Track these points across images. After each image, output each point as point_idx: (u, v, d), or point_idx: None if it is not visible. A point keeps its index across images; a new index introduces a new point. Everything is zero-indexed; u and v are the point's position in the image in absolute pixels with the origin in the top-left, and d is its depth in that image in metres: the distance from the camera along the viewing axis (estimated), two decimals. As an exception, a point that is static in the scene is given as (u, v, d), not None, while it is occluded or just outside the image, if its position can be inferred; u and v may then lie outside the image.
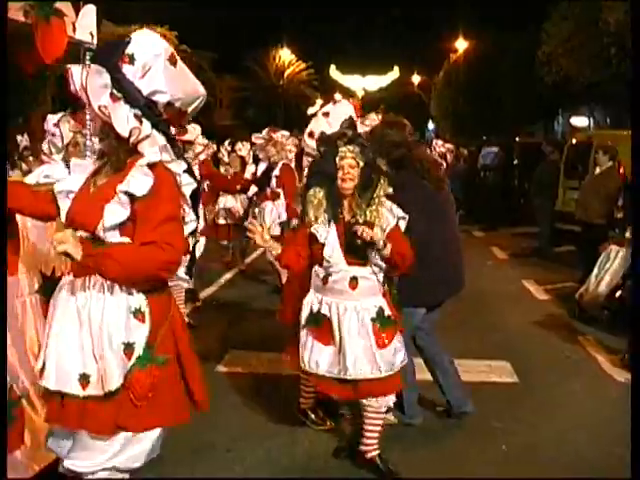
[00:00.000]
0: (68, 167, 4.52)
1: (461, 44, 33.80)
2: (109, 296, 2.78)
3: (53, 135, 4.93)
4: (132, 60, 2.71)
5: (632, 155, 4.67)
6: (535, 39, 21.03)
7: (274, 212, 8.56)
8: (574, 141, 13.29)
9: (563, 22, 19.35)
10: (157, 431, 2.91)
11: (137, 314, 2.79)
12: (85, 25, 3.98)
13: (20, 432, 3.56)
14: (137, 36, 2.79)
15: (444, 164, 16.18)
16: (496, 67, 27.60)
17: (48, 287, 3.76)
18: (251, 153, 10.68)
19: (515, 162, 17.69)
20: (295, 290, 4.54)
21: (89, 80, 2.73)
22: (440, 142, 18.13)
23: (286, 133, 8.89)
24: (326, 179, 4.03)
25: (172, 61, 2.79)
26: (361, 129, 4.38)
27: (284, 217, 8.44)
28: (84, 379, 2.75)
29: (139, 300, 2.80)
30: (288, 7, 50.28)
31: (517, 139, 20.66)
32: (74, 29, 3.89)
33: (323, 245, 3.97)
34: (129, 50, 2.72)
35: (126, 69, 2.72)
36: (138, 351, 2.78)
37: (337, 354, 3.99)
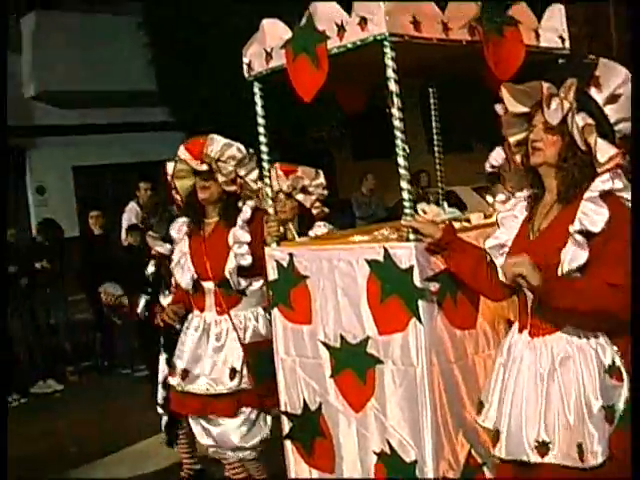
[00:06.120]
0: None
1: None
2: (579, 355, 2.51)
3: None
4: (598, 84, 2.57)
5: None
6: None
7: None
8: None
9: None
10: None
11: (613, 371, 2.51)
12: (551, 28, 3.33)
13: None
14: (603, 61, 2.60)
15: None
16: None
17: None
18: None
19: None
20: None
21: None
22: None
23: None
24: None
25: None
26: None
27: None
28: (543, 446, 2.50)
29: (611, 354, 2.52)
30: None
31: None
32: (537, 36, 3.29)
33: None
34: (597, 72, 2.58)
35: (593, 92, 2.58)
36: (619, 413, 2.49)
37: None
